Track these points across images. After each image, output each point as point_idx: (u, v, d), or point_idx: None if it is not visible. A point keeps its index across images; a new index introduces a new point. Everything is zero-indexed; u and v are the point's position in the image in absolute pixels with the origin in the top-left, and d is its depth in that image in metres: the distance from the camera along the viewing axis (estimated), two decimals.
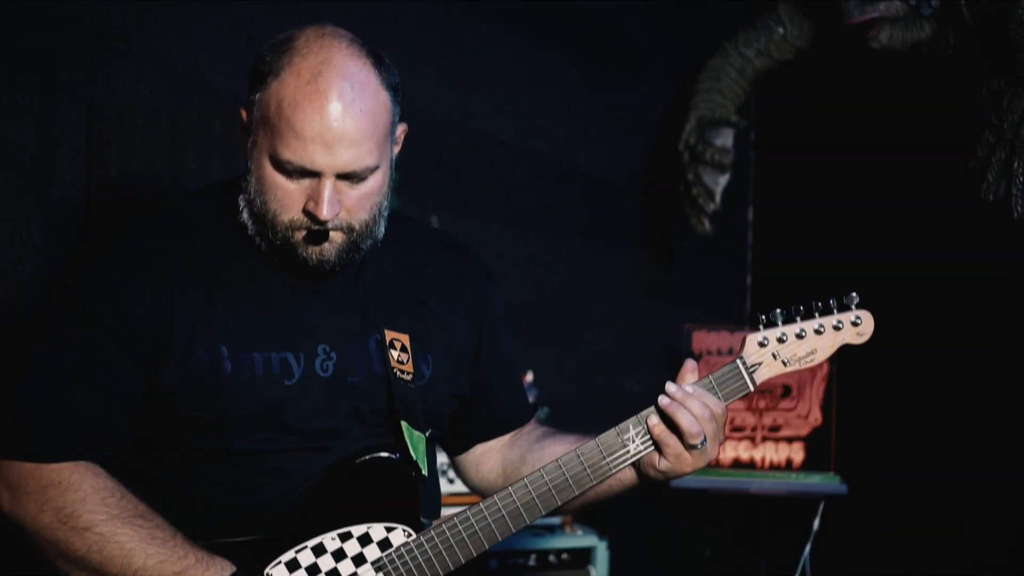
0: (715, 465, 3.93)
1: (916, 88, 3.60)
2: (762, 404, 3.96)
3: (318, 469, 2.08)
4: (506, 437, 2.38)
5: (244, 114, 2.07)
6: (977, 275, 3.39)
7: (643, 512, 4.19)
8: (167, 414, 2.06)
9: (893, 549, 3.68)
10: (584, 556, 3.72)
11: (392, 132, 2.09)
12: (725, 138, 3.94)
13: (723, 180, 3.95)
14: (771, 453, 3.94)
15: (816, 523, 3.84)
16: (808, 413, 3.93)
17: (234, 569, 2.00)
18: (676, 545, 4.35)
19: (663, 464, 2.12)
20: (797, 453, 3.92)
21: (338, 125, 1.97)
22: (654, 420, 2.11)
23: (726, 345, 4.03)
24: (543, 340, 4.11)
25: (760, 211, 4.40)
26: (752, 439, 3.95)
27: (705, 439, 2.10)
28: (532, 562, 3.66)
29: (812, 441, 3.91)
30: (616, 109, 4.20)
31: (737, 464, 3.95)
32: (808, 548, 3.86)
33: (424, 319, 2.20)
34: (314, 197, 2.00)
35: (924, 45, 3.46)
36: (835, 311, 2.12)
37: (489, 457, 2.38)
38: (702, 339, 4.05)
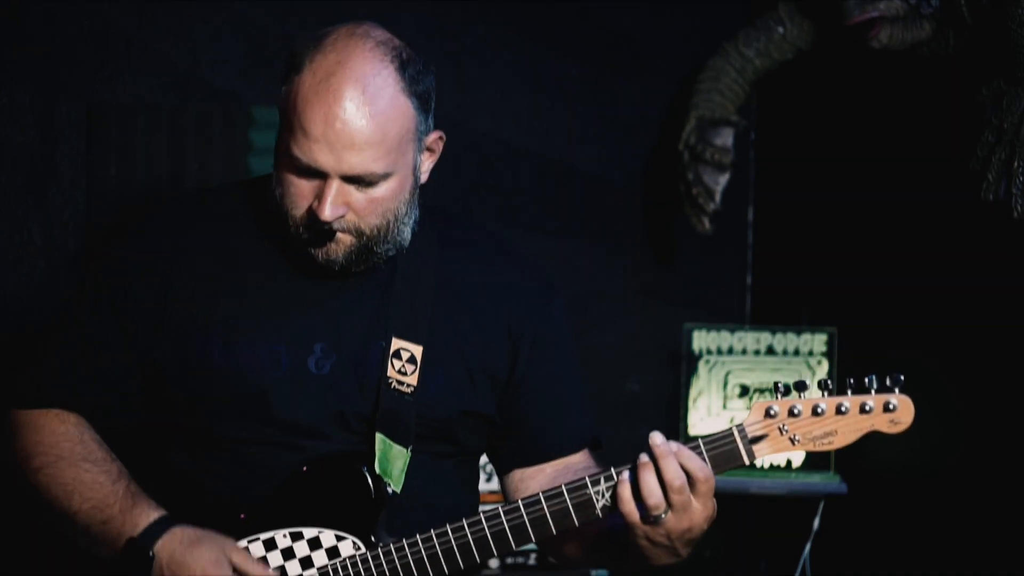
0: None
1: (916, 88, 3.60)
2: None
3: (291, 465, 2.08)
4: (548, 467, 2.24)
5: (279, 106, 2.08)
6: (977, 275, 3.39)
7: None
8: (157, 392, 2.11)
9: (893, 549, 3.68)
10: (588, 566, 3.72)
11: (416, 139, 2.06)
12: (725, 138, 3.94)
13: (723, 180, 3.94)
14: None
15: (816, 523, 3.84)
16: None
17: (158, 515, 2.01)
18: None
19: (627, 532, 1.98)
20: (797, 453, 3.92)
21: (341, 128, 1.96)
22: (624, 476, 1.95)
23: (726, 345, 4.03)
24: None
25: (760, 211, 4.39)
26: None
27: (667, 511, 1.92)
28: (532, 562, 3.66)
29: None
30: (616, 109, 4.20)
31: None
32: (808, 548, 3.86)
33: (446, 332, 2.16)
34: (318, 196, 2.00)
35: (924, 45, 3.46)
36: (872, 391, 1.90)
37: (528, 485, 2.24)
38: (702, 339, 4.05)
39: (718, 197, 3.94)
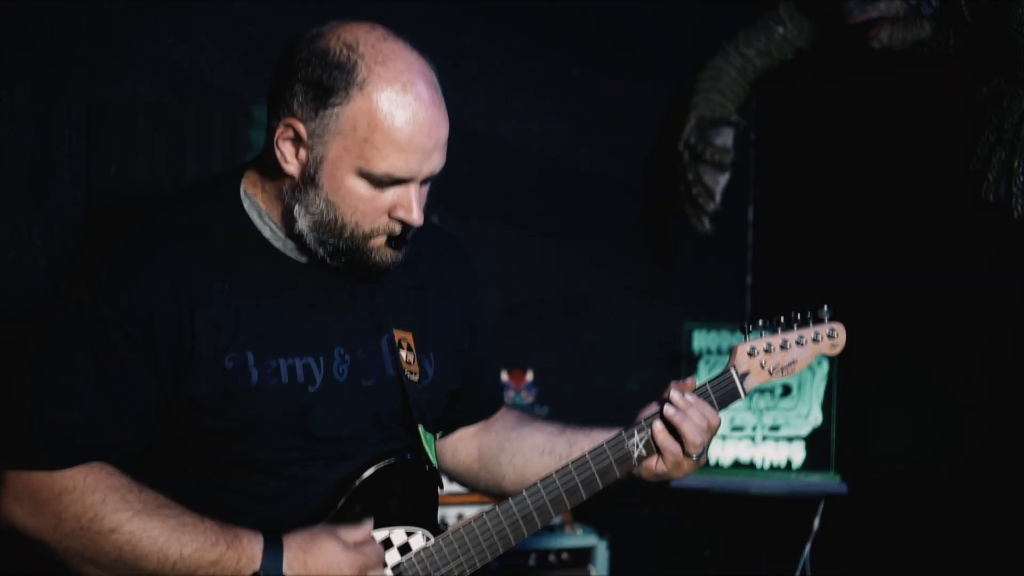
0: (715, 465, 3.94)
1: (916, 88, 3.60)
2: (762, 404, 3.96)
3: (341, 476, 2.06)
4: (478, 423, 2.40)
5: (299, 128, 1.97)
6: (977, 275, 3.39)
7: (643, 512, 4.19)
8: (189, 424, 2.00)
9: (893, 549, 3.68)
10: (584, 556, 3.72)
11: None
12: (725, 138, 3.94)
13: (723, 180, 3.94)
14: (771, 453, 3.94)
15: (816, 523, 3.85)
16: (808, 412, 3.93)
17: (262, 537, 1.97)
18: (676, 545, 4.35)
19: (660, 468, 2.20)
20: (797, 453, 3.92)
21: (437, 132, 1.98)
22: (658, 426, 2.18)
23: (726, 345, 4.03)
24: (543, 340, 4.11)
25: (760, 211, 4.39)
26: (752, 439, 3.95)
27: (703, 449, 2.20)
28: (532, 562, 3.66)
29: (812, 441, 3.91)
30: (616, 109, 4.20)
31: (737, 464, 3.95)
32: (808, 548, 3.86)
33: (424, 315, 2.19)
34: (403, 204, 2.00)
35: (924, 45, 3.46)
36: (811, 323, 2.25)
37: (465, 443, 2.40)
38: (702, 339, 4.05)
39: (718, 197, 3.94)
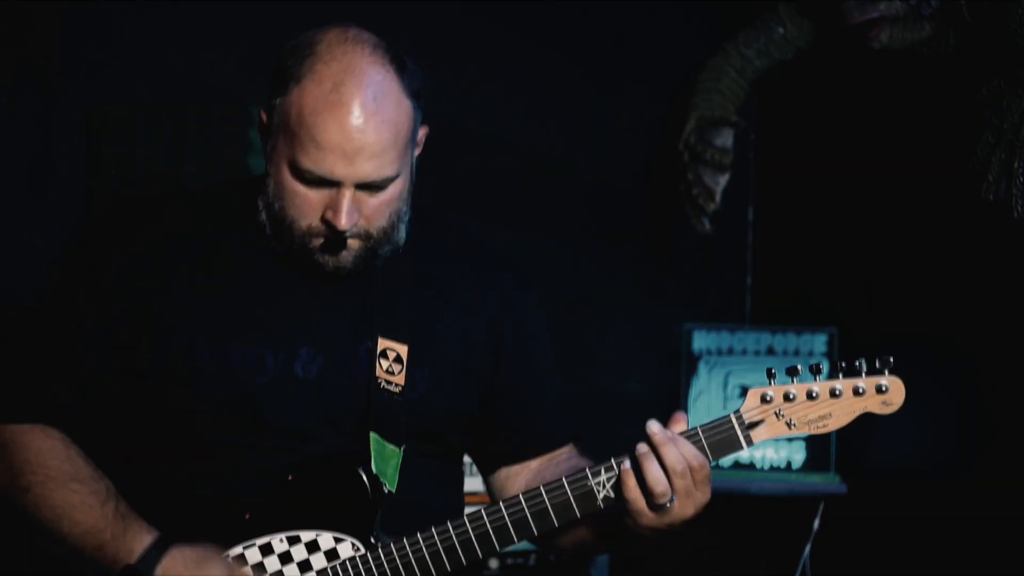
0: (715, 466, 3.94)
1: (916, 88, 3.60)
2: None
3: (283, 469, 2.06)
4: (534, 462, 2.24)
5: (264, 116, 2.05)
6: (977, 275, 3.39)
7: None
8: (140, 398, 2.07)
9: (893, 549, 3.68)
10: (584, 555, 3.72)
11: (413, 138, 2.07)
12: (725, 138, 3.94)
13: (723, 180, 3.95)
14: (771, 453, 3.94)
15: (816, 523, 3.85)
16: None
17: (153, 538, 1.99)
18: (676, 545, 4.35)
19: (627, 519, 1.97)
20: (797, 453, 3.92)
21: (359, 136, 1.95)
22: (625, 465, 1.95)
23: (726, 345, 4.03)
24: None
25: (760, 211, 4.40)
26: None
27: (672, 498, 1.93)
28: (532, 562, 3.66)
29: (812, 441, 3.91)
30: (616, 109, 4.20)
31: (737, 464, 3.95)
32: (808, 548, 3.86)
33: (429, 330, 2.15)
34: (332, 206, 1.99)
35: (924, 45, 3.46)
36: (863, 373, 1.94)
37: (514, 483, 2.24)
38: (702, 339, 4.05)
39: (718, 197, 3.95)
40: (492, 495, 2.28)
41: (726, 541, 4.37)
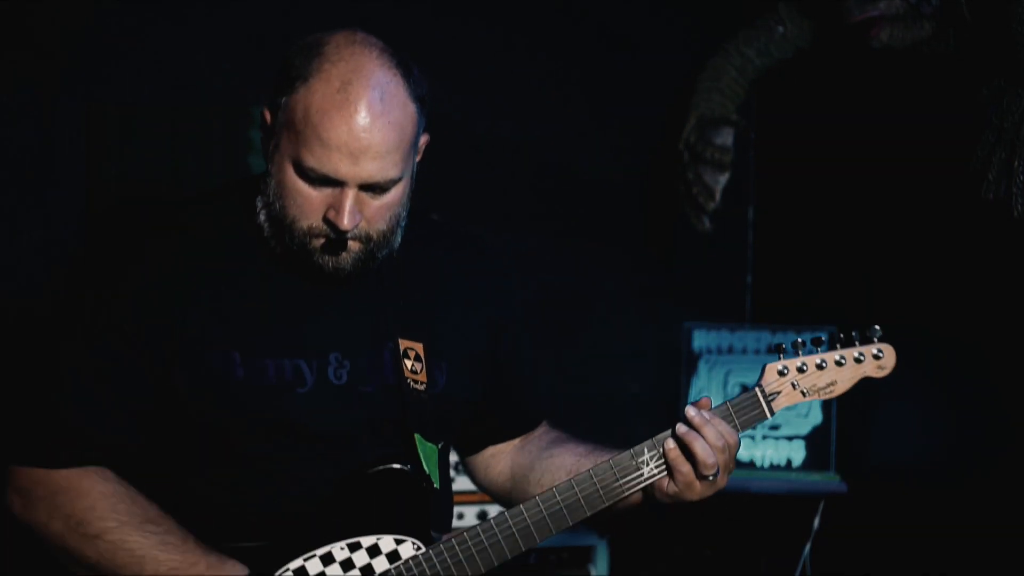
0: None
1: (916, 87, 3.60)
2: None
3: (330, 478, 2.06)
4: (516, 440, 2.36)
5: (267, 115, 2.05)
6: (978, 274, 3.39)
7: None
8: (180, 419, 2.04)
9: (893, 549, 3.68)
10: (584, 555, 3.72)
11: (416, 143, 2.08)
12: (725, 137, 3.94)
13: (723, 179, 3.95)
14: (771, 452, 3.94)
15: (816, 523, 3.85)
16: (808, 412, 3.93)
17: (246, 572, 1.99)
18: (676, 545, 4.35)
19: (671, 489, 2.11)
20: (797, 452, 3.92)
21: (365, 136, 1.96)
22: (670, 444, 2.09)
23: (726, 344, 4.04)
24: (543, 340, 4.10)
25: (760, 211, 4.40)
26: (752, 438, 3.95)
27: (718, 471, 2.11)
28: (532, 560, 3.66)
29: (812, 440, 3.91)
30: (616, 109, 4.20)
31: (737, 463, 3.95)
32: (808, 548, 3.86)
33: (439, 326, 2.18)
34: (335, 206, 1.99)
35: (924, 44, 3.46)
36: (857, 343, 2.15)
37: (499, 460, 2.35)
38: (702, 339, 4.05)
39: (718, 196, 3.95)
40: (474, 473, 2.39)
41: (726, 541, 4.38)
